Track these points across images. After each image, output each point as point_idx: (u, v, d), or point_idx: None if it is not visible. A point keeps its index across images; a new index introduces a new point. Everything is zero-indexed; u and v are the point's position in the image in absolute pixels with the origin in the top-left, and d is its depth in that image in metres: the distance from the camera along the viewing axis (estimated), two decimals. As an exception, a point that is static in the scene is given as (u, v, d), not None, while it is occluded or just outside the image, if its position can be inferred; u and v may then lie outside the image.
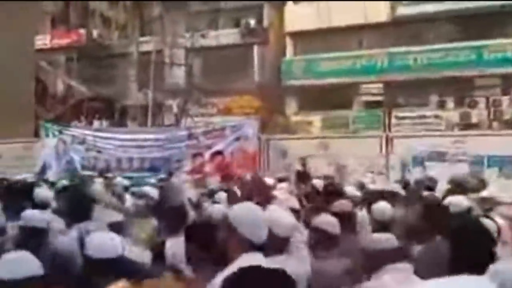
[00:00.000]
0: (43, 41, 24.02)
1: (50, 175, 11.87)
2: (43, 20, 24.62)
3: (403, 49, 20.10)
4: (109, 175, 9.16)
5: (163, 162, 11.13)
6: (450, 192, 5.17)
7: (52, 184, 7.38)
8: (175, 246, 2.57)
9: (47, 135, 12.97)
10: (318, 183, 5.69)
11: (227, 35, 22.82)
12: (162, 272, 2.42)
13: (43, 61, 23.10)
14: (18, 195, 4.25)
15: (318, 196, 4.58)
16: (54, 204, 4.55)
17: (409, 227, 3.36)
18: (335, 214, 3.41)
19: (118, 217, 3.73)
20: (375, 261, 2.46)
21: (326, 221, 3.19)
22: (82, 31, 24.82)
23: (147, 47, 22.72)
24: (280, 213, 2.77)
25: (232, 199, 4.44)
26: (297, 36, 21.96)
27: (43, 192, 4.79)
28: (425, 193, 5.41)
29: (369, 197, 4.83)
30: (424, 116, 18.65)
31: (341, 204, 3.78)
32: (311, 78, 21.00)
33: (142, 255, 2.67)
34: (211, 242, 2.21)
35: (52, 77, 23.88)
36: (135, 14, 24.33)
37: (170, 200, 4.34)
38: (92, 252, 2.54)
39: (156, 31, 23.48)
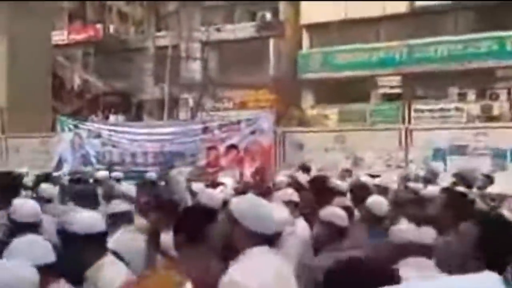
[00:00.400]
0: (60, 36, 24.19)
1: (66, 169, 11.93)
2: (60, 15, 24.79)
3: (422, 40, 19.70)
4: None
5: (178, 156, 11.05)
6: (454, 185, 5.14)
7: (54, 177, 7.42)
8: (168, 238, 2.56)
9: (63, 130, 13.01)
10: (302, 177, 5.56)
11: (243, 29, 22.68)
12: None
13: (61, 56, 23.27)
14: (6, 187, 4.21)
15: (302, 191, 4.46)
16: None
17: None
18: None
19: (124, 207, 3.75)
20: (397, 253, 2.40)
21: (334, 213, 3.16)
22: (99, 26, 24.93)
23: (163, 42, 22.74)
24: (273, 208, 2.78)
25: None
26: (313, 28, 21.70)
27: (48, 187, 4.80)
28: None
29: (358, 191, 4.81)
30: (444, 109, 18.26)
31: (339, 201, 3.75)
32: (327, 71, 20.74)
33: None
34: (201, 230, 2.15)
35: (69, 72, 24.05)
36: (151, 9, 24.34)
37: (168, 192, 4.38)
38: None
39: (172, 26, 23.47)
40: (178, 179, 5.07)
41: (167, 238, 2.61)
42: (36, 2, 16.99)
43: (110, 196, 4.70)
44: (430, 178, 6.25)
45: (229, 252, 2.07)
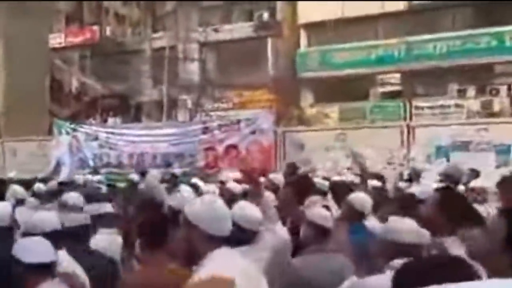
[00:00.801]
0: (57, 39, 24.06)
1: (64, 172, 11.84)
2: (58, 18, 24.67)
3: (420, 37, 19.58)
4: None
5: (176, 157, 10.94)
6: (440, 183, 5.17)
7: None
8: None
9: (60, 133, 12.93)
10: (277, 178, 5.51)
11: (241, 29, 22.56)
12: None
13: (58, 59, 23.14)
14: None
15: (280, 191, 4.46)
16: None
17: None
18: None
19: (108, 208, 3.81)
20: (391, 253, 2.33)
21: (318, 214, 3.16)
22: (95, 28, 24.80)
23: (161, 43, 22.61)
24: (248, 208, 2.85)
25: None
26: (311, 27, 21.59)
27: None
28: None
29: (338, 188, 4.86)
30: (444, 106, 18.13)
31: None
32: (326, 69, 20.62)
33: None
34: (163, 233, 2.25)
35: (67, 75, 23.92)
36: (148, 10, 24.21)
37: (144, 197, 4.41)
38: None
39: (169, 27, 23.34)
40: (153, 183, 5.04)
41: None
42: (33, 3, 16.92)
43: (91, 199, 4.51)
44: (413, 177, 6.29)
45: (190, 256, 2.03)
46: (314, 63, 21.06)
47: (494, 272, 1.68)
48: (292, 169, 7.84)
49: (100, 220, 3.53)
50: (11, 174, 8.65)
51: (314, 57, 21.23)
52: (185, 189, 5.37)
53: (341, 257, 3.02)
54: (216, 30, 22.24)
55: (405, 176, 6.72)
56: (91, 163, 12.07)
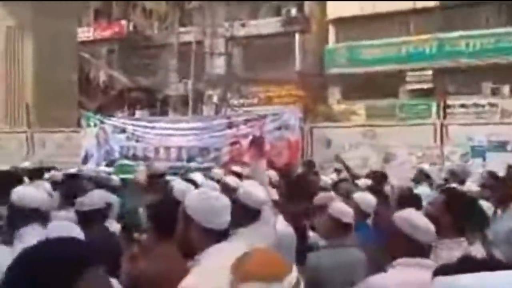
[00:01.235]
0: (86, 33, 24.36)
1: (91, 164, 11.92)
2: (87, 12, 24.96)
3: (453, 34, 19.04)
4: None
5: (201, 151, 10.84)
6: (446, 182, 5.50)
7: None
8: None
9: (88, 125, 12.99)
10: (273, 175, 5.44)
11: (268, 24, 22.38)
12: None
13: (86, 53, 23.41)
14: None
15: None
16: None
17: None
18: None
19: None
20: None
21: (340, 210, 3.17)
22: (123, 22, 24.99)
23: (188, 38, 22.61)
24: (253, 187, 2.96)
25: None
26: (340, 23, 21.25)
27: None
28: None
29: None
30: (478, 104, 17.60)
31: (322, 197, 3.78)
32: (354, 66, 20.28)
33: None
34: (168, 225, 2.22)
35: (95, 68, 24.20)
36: (175, 4, 24.25)
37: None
38: None
39: (196, 21, 23.33)
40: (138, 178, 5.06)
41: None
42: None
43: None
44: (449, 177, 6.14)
45: (188, 250, 2.01)
46: (342, 59, 20.73)
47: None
48: (309, 166, 7.66)
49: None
50: (26, 164, 8.71)
51: (342, 53, 20.90)
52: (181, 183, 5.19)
53: (358, 252, 3.03)
54: (243, 25, 22.10)
55: (443, 175, 6.49)
56: (117, 155, 12.07)
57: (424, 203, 3.83)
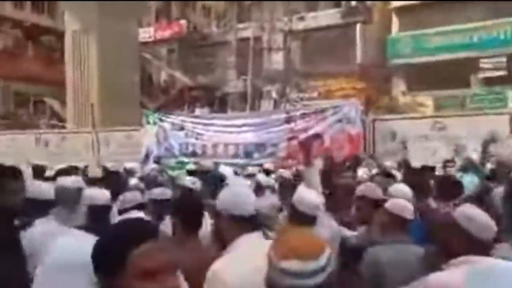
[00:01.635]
0: (147, 34, 24.91)
1: (151, 162, 12.04)
2: (147, 14, 25.54)
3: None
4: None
5: (258, 147, 10.58)
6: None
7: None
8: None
9: (148, 123, 13.15)
10: (285, 173, 5.93)
11: (327, 16, 21.77)
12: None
13: (147, 53, 23.93)
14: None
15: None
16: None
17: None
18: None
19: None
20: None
21: (401, 206, 3.06)
22: (183, 22, 25.32)
23: (246, 34, 22.49)
24: (306, 193, 3.05)
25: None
26: (403, 11, 20.23)
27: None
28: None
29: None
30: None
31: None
32: (420, 55, 19.20)
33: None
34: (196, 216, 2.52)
35: (156, 68, 24.71)
36: (233, 2, 24.23)
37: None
38: None
39: (254, 17, 23.16)
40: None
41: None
42: (124, 1, 17.47)
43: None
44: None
45: (221, 242, 2.15)
46: (407, 48, 19.70)
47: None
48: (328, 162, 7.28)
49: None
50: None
51: (406, 42, 19.86)
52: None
53: (418, 248, 2.93)
54: (301, 19, 21.64)
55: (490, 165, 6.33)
56: (176, 152, 12.11)
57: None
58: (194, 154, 11.69)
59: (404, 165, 6.73)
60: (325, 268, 1.35)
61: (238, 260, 2.01)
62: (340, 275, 1.47)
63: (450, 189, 4.13)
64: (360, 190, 3.50)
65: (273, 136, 10.54)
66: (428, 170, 5.88)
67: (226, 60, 22.96)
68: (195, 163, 9.31)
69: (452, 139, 8.93)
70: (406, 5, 19.59)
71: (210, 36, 24.74)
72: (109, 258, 1.23)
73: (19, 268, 2.29)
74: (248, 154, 10.45)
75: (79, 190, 3.17)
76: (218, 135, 11.56)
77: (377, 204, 3.24)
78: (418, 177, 4.72)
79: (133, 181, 5.52)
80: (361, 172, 6.07)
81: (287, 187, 5.06)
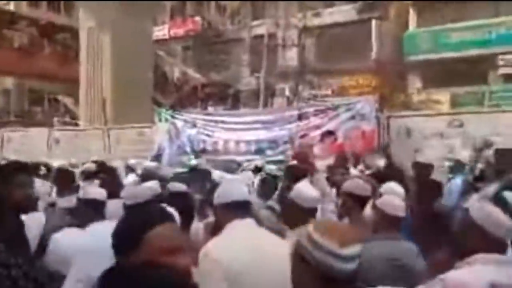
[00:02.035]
0: (162, 31, 24.92)
1: (164, 159, 11.99)
2: (162, 11, 25.54)
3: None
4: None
5: (270, 144, 10.42)
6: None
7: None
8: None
9: (160, 120, 13.10)
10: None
11: (342, 12, 21.48)
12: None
13: (162, 51, 23.92)
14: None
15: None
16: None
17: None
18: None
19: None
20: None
21: (389, 203, 3.06)
22: (197, 19, 25.27)
23: (260, 31, 22.33)
24: (304, 188, 3.06)
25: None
26: (421, 6, 19.82)
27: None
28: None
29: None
30: None
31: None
32: (438, 51, 18.78)
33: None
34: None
35: (169, 66, 24.68)
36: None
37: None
38: None
39: (269, 14, 22.98)
40: None
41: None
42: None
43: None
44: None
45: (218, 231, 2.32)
46: (425, 44, 19.28)
47: None
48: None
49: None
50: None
51: (424, 38, 19.44)
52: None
53: (411, 245, 2.95)
54: (316, 15, 21.38)
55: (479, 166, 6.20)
56: (188, 149, 12.02)
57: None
58: (204, 151, 11.60)
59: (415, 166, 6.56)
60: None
61: (228, 241, 2.19)
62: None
63: (430, 190, 4.20)
64: (346, 186, 3.48)
65: (285, 133, 10.37)
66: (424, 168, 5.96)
67: (240, 57, 22.83)
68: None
69: (469, 136, 8.64)
70: (424, 0, 19.18)
71: (224, 33, 24.65)
72: (128, 238, 1.36)
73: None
74: (260, 151, 10.31)
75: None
76: (230, 132, 11.44)
77: (363, 201, 3.23)
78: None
79: (130, 177, 5.50)
80: (354, 170, 6.08)
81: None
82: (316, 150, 9.31)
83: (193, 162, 8.46)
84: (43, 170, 6.60)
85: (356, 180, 3.65)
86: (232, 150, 10.97)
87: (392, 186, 3.65)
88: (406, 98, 17.88)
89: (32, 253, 2.83)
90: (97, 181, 4.92)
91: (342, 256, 1.49)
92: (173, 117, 12.91)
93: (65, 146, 14.51)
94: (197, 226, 3.35)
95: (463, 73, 17.80)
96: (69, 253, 2.57)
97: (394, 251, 2.83)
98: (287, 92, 20.59)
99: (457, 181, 5.57)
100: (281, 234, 2.75)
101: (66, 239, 2.89)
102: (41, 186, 3.40)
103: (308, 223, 2.55)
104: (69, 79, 21.01)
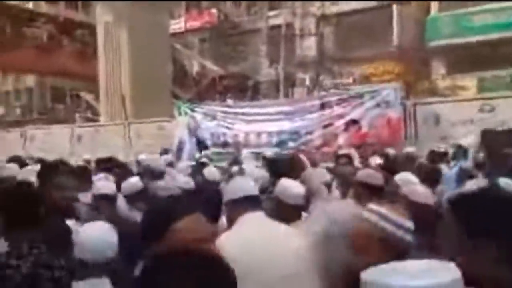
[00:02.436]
0: (178, 25, 24.83)
1: (184, 153, 11.90)
2: (179, 4, 25.43)
3: None
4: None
5: (292, 135, 10.20)
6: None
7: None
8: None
9: (179, 114, 12.99)
10: None
11: (361, -2, 20.99)
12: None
13: (179, 44, 23.81)
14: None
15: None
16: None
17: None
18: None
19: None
20: None
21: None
22: (213, 11, 25.10)
23: (277, 21, 22.03)
24: (288, 184, 3.01)
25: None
26: (443, -11, 19.24)
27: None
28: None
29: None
30: None
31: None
32: (462, 35, 18.19)
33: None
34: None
35: (187, 59, 24.57)
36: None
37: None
38: None
39: (285, 3, 22.63)
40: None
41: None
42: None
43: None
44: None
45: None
46: (448, 29, 18.70)
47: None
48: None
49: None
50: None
51: (447, 22, 18.85)
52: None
53: None
54: (334, 2, 20.97)
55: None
56: (208, 142, 11.90)
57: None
58: (225, 144, 11.46)
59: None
60: None
61: (239, 234, 2.26)
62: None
63: (428, 176, 4.28)
64: (358, 175, 3.52)
65: (307, 124, 10.13)
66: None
67: (258, 48, 22.56)
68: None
69: (499, 122, 8.29)
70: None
71: (241, 25, 24.40)
72: (157, 228, 1.38)
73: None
74: (281, 143, 10.10)
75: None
76: (251, 124, 11.27)
77: (376, 189, 3.27)
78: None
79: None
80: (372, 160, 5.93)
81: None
82: (341, 139, 9.09)
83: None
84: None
85: (368, 169, 3.73)
86: (253, 142, 10.79)
87: (407, 176, 3.70)
88: (431, 85, 17.40)
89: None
90: (111, 177, 4.88)
91: (408, 228, 1.60)
92: (192, 110, 12.79)
93: (87, 142, 14.55)
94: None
95: (488, 57, 17.22)
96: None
97: None
98: (307, 82, 20.27)
99: (455, 168, 5.59)
100: None
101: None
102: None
103: (295, 219, 2.73)
104: (89, 75, 21.08)
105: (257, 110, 11.77)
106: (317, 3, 21.36)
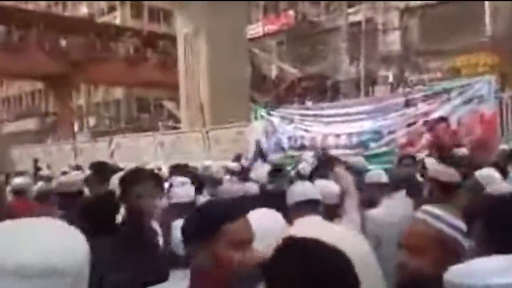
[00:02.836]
0: (256, 29, 24.89)
1: (260, 157, 11.73)
2: (256, 9, 25.56)
3: None
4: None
5: (373, 135, 9.55)
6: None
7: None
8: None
9: (255, 118, 12.86)
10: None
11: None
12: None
13: (257, 48, 23.84)
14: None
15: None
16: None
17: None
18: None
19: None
20: None
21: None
22: (290, 13, 24.88)
23: (357, 18, 21.27)
24: (323, 183, 3.04)
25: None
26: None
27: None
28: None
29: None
30: None
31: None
32: None
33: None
34: None
35: (266, 63, 24.55)
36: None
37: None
38: None
39: (365, -1, 21.80)
40: None
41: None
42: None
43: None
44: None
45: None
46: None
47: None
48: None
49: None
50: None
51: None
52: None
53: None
54: (418, -6, 19.79)
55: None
56: (286, 146, 11.62)
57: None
58: (303, 147, 11.10)
59: None
60: None
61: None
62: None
63: None
64: (431, 172, 3.49)
65: (390, 123, 9.44)
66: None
67: (338, 46, 21.91)
68: None
69: None
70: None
71: (319, 24, 23.89)
72: (204, 230, 1.39)
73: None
74: (362, 144, 9.51)
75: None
76: (330, 125, 10.80)
77: (450, 187, 3.22)
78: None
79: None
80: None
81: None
82: (425, 139, 8.35)
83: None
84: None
85: (442, 166, 3.67)
86: (332, 144, 10.30)
87: (489, 172, 3.56)
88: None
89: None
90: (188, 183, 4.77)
91: (462, 229, 1.55)
92: (269, 114, 12.60)
93: (169, 149, 14.91)
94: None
95: None
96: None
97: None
98: (390, 79, 19.27)
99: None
100: None
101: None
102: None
103: (331, 219, 2.72)
104: (171, 84, 21.78)
105: (337, 111, 11.27)
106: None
